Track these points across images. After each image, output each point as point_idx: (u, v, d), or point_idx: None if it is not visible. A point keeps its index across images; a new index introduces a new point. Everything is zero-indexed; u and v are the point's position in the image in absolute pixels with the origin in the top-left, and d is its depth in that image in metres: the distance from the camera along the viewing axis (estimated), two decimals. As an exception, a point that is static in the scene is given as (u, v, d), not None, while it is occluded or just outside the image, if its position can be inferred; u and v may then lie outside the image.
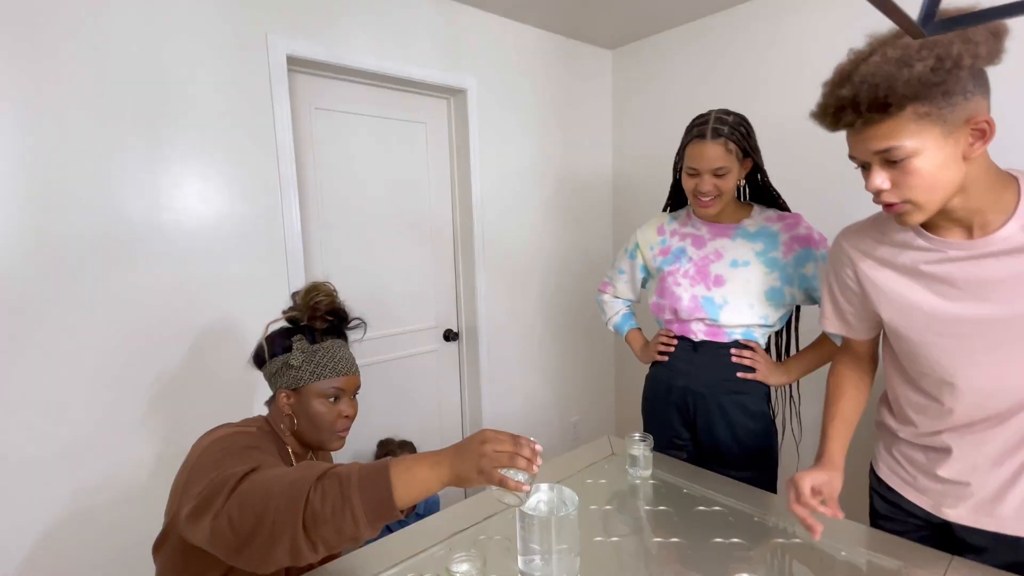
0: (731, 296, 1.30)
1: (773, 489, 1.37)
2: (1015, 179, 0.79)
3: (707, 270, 1.34)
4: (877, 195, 0.78)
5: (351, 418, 1.05)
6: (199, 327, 1.64)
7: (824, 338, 1.33)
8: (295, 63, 1.82)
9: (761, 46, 2.27)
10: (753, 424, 1.34)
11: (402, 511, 0.75)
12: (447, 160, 2.35)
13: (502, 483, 0.76)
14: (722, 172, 1.23)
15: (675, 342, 1.40)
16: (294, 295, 1.06)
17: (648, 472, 1.28)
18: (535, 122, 2.53)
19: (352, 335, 1.12)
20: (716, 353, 1.34)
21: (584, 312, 2.86)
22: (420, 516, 1.87)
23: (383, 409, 2.22)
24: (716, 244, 1.35)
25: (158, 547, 0.94)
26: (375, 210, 2.13)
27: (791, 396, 1.56)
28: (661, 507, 1.15)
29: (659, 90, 2.66)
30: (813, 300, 1.31)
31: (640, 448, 1.27)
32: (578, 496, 0.88)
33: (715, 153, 1.21)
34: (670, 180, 2.62)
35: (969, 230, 0.81)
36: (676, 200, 1.49)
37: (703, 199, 1.27)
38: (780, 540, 1.02)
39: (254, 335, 1.26)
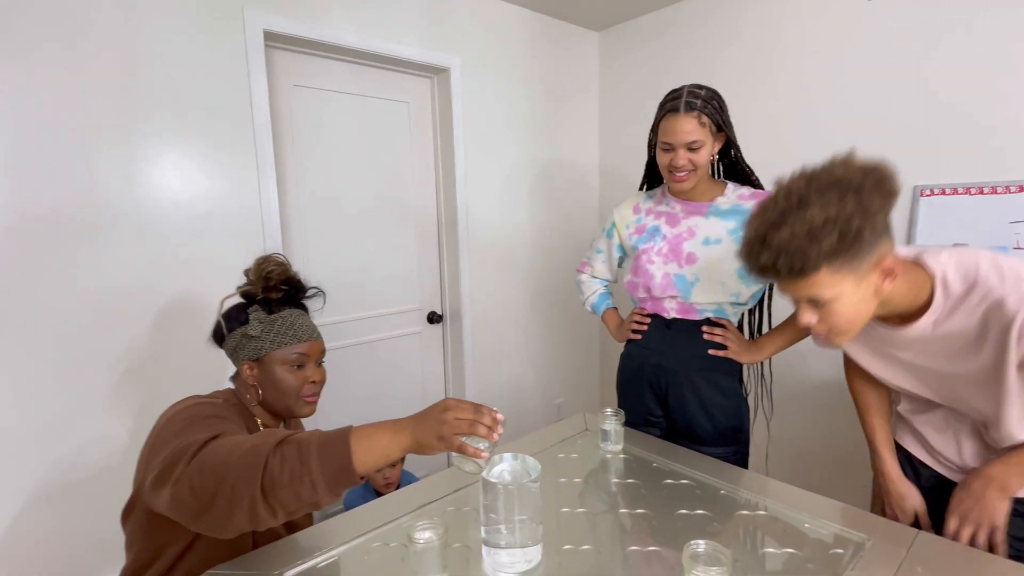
0: (702, 274, 1.31)
1: (744, 466, 1.39)
2: (930, 278, 0.87)
3: (680, 248, 1.34)
4: (806, 327, 0.89)
5: (318, 383, 1.05)
6: (173, 304, 1.63)
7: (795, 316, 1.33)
8: (272, 39, 1.80)
9: (751, 27, 2.26)
10: (725, 401, 1.35)
11: (362, 477, 0.75)
12: (431, 140, 2.33)
13: (461, 449, 0.76)
14: (696, 146, 1.23)
15: (648, 320, 1.41)
16: (247, 271, 1.05)
17: (619, 447, 1.29)
18: (521, 103, 2.51)
19: (311, 305, 1.11)
20: (688, 331, 1.35)
21: (569, 295, 2.86)
22: None
23: (366, 391, 2.22)
24: (689, 222, 1.35)
25: (126, 516, 0.95)
26: (357, 190, 2.11)
27: (762, 375, 1.57)
28: (630, 480, 1.16)
29: (647, 73, 2.64)
30: None
31: (611, 423, 1.28)
32: (548, 469, 0.88)
33: (689, 126, 1.21)
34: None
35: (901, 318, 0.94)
36: (652, 179, 1.48)
37: (677, 174, 1.28)
38: (745, 512, 1.03)
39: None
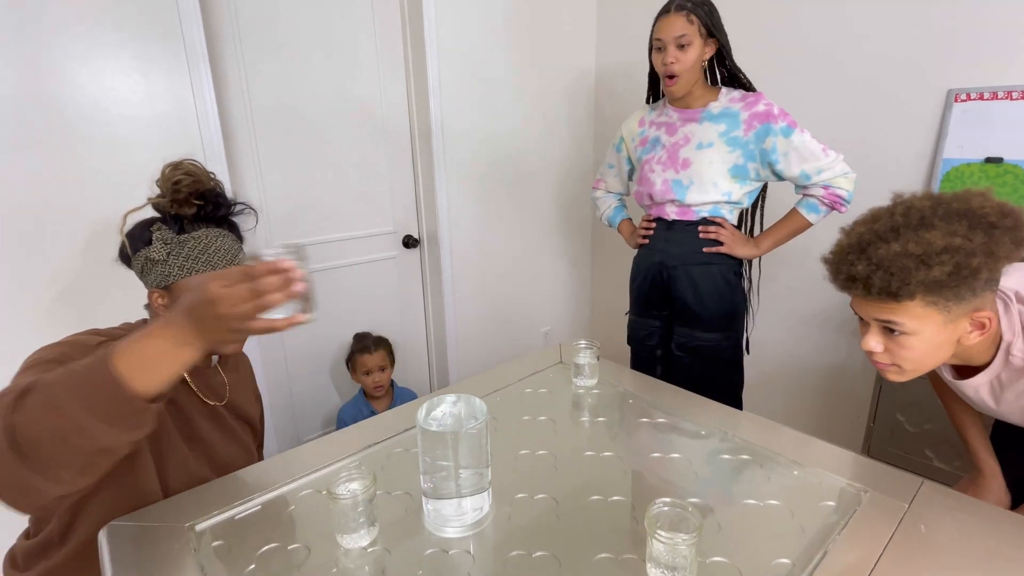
0: (695, 177, 1.40)
1: (739, 354, 1.51)
2: (1000, 341, 0.79)
3: (676, 155, 1.44)
4: (869, 354, 0.80)
5: None
6: (100, 224, 1.45)
7: (793, 211, 1.43)
8: (197, -98, 1.49)
9: None
10: (721, 289, 1.45)
11: (156, 399, 0.62)
12: (399, 36, 2.04)
13: (272, 328, 0.62)
14: (684, 42, 1.31)
15: (654, 225, 1.53)
16: (157, 180, 0.87)
17: (593, 381, 1.16)
18: (504, -5, 2.19)
19: (243, 224, 0.94)
20: (687, 230, 1.46)
21: (560, 218, 2.66)
22: None
23: (341, 317, 2.09)
24: (685, 129, 1.44)
25: None
26: (315, 95, 1.87)
27: (749, 276, 1.61)
28: (601, 418, 1.04)
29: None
30: (776, 174, 1.40)
31: (585, 356, 1.15)
32: (512, 406, 0.76)
33: (677, 23, 1.30)
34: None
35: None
36: (654, 91, 1.57)
37: (668, 72, 1.35)
38: (727, 456, 0.91)
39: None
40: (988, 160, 1.60)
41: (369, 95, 2.00)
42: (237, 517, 0.79)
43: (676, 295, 1.49)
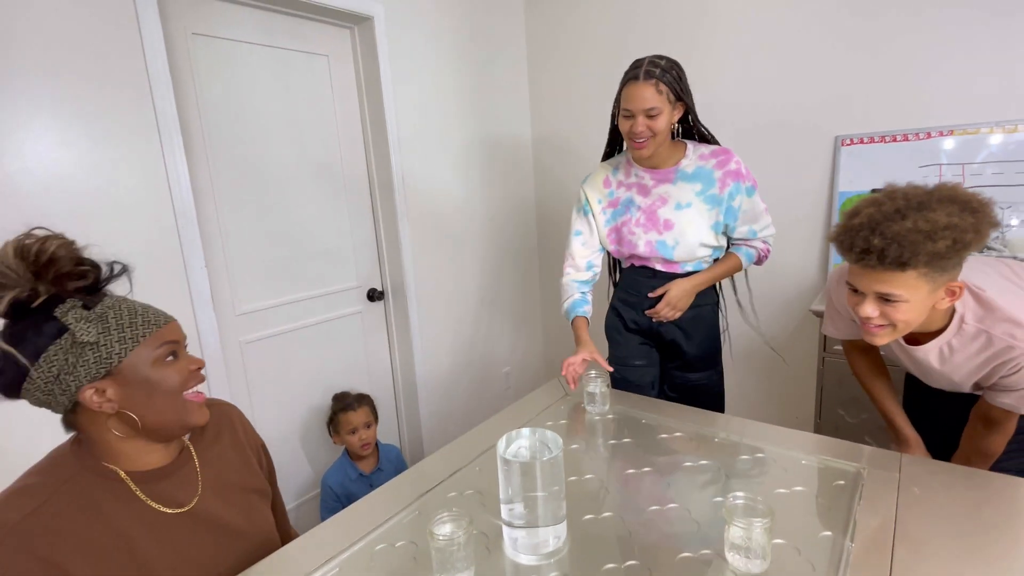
0: (680, 238, 1.40)
1: (721, 387, 1.57)
2: (952, 313, 0.98)
3: (655, 216, 1.42)
4: (865, 321, 0.95)
5: (202, 367, 0.80)
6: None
7: (732, 255, 1.47)
8: (161, -25, 1.50)
9: (676, -21, 2.25)
10: (709, 328, 1.51)
11: None
12: (355, 98, 2.12)
13: None
14: (654, 113, 1.28)
15: (575, 386, 1.35)
16: None
17: (606, 407, 1.27)
18: (451, 59, 2.34)
19: (117, 289, 0.77)
20: (673, 279, 1.46)
21: (511, 262, 2.80)
22: (386, 477, 1.76)
23: (309, 377, 2.03)
24: (659, 191, 1.42)
25: None
26: (277, 157, 1.87)
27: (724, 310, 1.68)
28: (626, 439, 1.14)
29: (574, 27, 2.57)
30: (726, 228, 1.43)
31: (597, 385, 1.25)
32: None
33: (647, 94, 1.27)
34: (590, 131, 2.62)
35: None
36: (614, 147, 1.55)
37: (637, 140, 1.33)
38: (746, 456, 1.05)
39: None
40: (873, 191, 1.95)
41: (328, 153, 2.04)
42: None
43: (668, 340, 1.50)
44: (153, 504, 0.74)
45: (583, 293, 1.52)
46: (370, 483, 1.81)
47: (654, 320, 1.47)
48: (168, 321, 0.76)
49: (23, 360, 0.66)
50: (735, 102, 2.20)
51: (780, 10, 2.05)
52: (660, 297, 1.44)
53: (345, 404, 1.84)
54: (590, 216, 1.50)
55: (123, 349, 0.70)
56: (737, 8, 2.14)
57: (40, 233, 0.69)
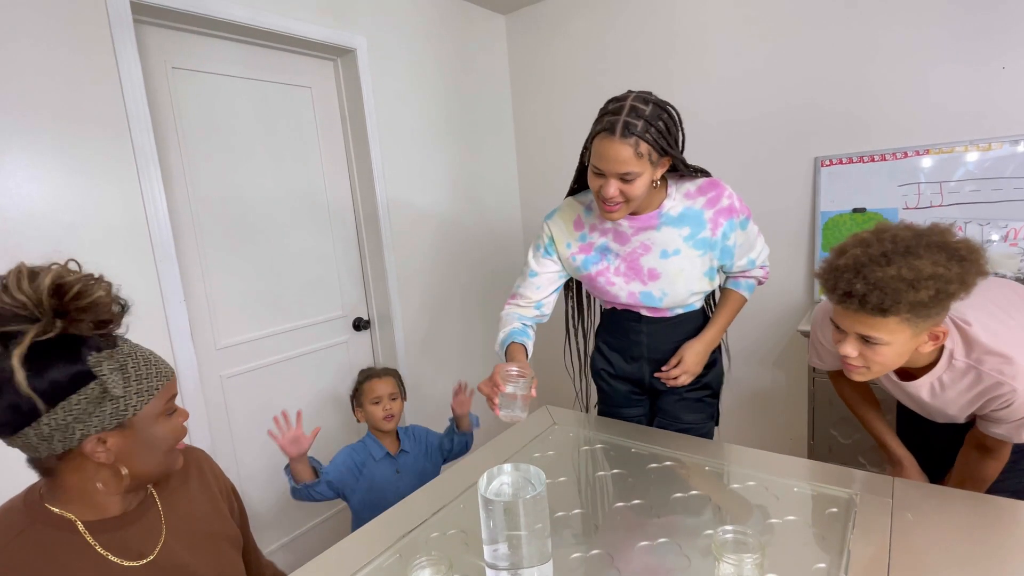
0: (669, 287, 1.22)
1: (716, 421, 1.41)
2: (941, 349, 0.95)
3: (638, 265, 1.22)
4: (844, 358, 0.94)
5: (187, 419, 0.79)
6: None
7: (732, 295, 1.31)
8: (142, 12, 1.50)
9: (662, 11, 2.30)
10: (703, 377, 1.33)
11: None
12: (339, 129, 2.12)
13: None
14: (630, 178, 1.04)
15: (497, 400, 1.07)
16: (3, 305, 0.60)
17: (524, 415, 1.05)
18: (435, 89, 2.37)
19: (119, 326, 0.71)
20: (659, 323, 1.30)
21: (496, 287, 2.78)
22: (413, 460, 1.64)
23: (293, 411, 1.98)
24: (640, 237, 1.20)
25: None
26: (261, 188, 1.86)
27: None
28: (616, 470, 1.12)
29: (556, 59, 2.62)
30: (721, 264, 1.25)
31: (518, 386, 1.02)
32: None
33: (624, 155, 1.02)
34: (576, 159, 2.59)
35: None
36: (582, 185, 1.28)
37: (607, 204, 1.10)
38: (737, 485, 1.02)
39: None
40: (855, 210, 1.99)
41: (312, 184, 2.03)
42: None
43: (659, 387, 1.34)
44: (112, 558, 0.70)
45: (525, 325, 1.27)
46: (396, 467, 1.62)
47: (667, 384, 1.30)
48: (172, 373, 0.75)
49: (40, 405, 0.60)
50: (714, 123, 2.23)
51: (756, 34, 2.10)
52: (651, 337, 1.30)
53: (370, 374, 1.69)
54: (552, 258, 1.30)
55: (139, 402, 0.68)
56: (713, 32, 2.19)
57: (75, 268, 0.65)
